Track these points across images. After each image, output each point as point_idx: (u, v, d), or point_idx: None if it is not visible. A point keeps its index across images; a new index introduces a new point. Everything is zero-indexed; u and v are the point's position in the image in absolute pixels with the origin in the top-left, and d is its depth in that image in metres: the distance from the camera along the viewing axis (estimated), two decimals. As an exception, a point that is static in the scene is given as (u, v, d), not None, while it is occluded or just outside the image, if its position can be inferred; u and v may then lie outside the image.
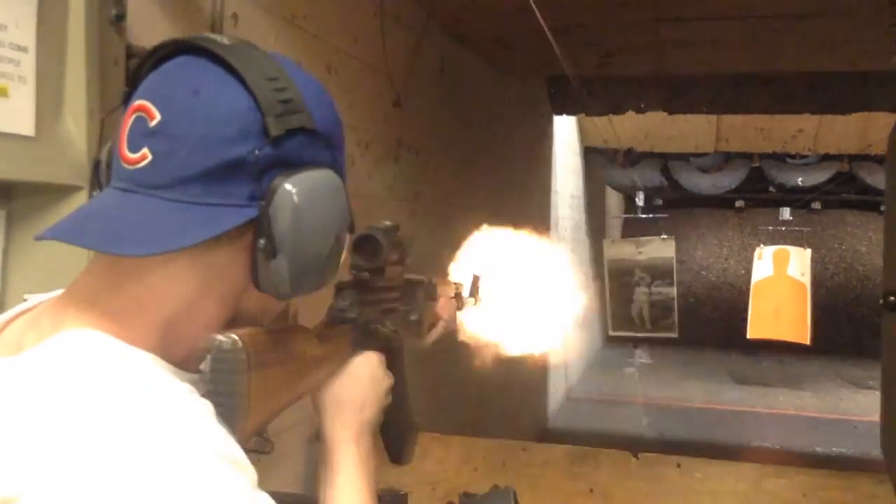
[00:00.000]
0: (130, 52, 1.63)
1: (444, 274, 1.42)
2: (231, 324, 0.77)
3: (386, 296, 1.09)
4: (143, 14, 1.73)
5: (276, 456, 0.92)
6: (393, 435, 1.12)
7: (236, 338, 0.71)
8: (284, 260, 0.71)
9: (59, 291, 0.78)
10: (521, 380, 6.48)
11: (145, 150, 0.69)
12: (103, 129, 1.48)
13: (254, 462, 0.70)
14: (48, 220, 1.45)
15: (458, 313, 1.41)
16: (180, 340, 0.73)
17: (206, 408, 0.67)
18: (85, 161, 1.44)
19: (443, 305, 1.33)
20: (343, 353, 0.96)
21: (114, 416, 0.61)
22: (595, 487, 2.17)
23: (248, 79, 0.70)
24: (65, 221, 0.71)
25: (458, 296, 1.44)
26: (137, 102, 0.71)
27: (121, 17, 1.54)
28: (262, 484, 0.74)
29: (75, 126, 1.44)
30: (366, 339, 1.00)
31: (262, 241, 0.71)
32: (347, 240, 0.80)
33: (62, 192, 1.43)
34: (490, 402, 5.38)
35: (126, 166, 0.70)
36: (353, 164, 2.99)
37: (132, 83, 0.75)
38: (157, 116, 0.69)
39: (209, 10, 2.02)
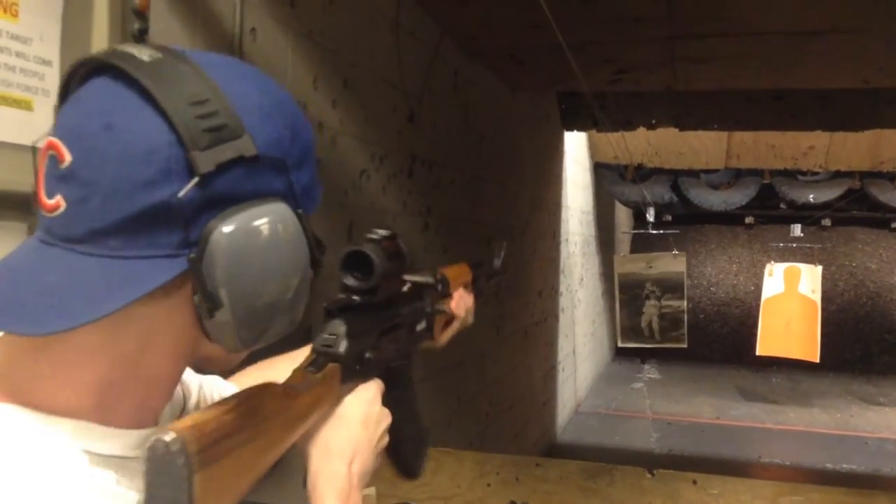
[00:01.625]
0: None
1: (455, 261, 1.26)
2: (199, 364, 0.69)
3: (383, 315, 0.96)
4: (165, 28, 1.75)
5: (285, 472, 0.90)
6: (402, 452, 1.03)
7: (169, 440, 0.57)
8: (228, 315, 0.61)
9: None
10: (531, 394, 6.47)
11: (59, 198, 0.59)
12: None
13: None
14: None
15: (473, 305, 1.27)
16: (124, 398, 0.64)
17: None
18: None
19: (457, 301, 1.20)
20: (332, 393, 0.83)
21: None
22: (609, 504, 2.16)
23: (167, 106, 0.58)
24: None
25: (474, 281, 1.30)
26: (49, 139, 0.62)
27: (144, 32, 1.55)
28: (271, 497, 0.71)
29: (98, 139, 1.45)
30: (359, 372, 0.88)
31: (196, 298, 0.61)
32: (310, 279, 0.67)
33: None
34: (500, 416, 5.37)
35: (44, 214, 0.61)
36: (369, 178, 3.00)
37: (61, 100, 0.65)
38: (67, 158, 0.59)
39: (229, 24, 2.03)
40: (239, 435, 0.66)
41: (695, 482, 2.13)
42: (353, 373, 0.86)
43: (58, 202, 0.59)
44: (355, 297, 0.89)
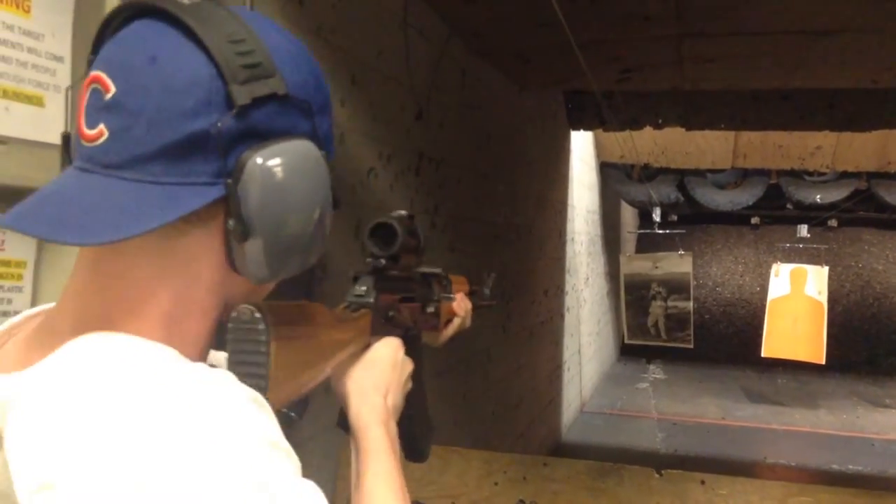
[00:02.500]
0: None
1: (458, 272, 1.38)
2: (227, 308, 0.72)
3: (402, 285, 1.07)
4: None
5: (305, 451, 0.91)
6: (411, 431, 1.09)
7: (254, 308, 0.68)
8: (258, 242, 0.65)
9: (47, 306, 0.74)
10: (536, 394, 6.47)
11: (101, 127, 0.62)
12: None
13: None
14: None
15: (471, 312, 1.37)
16: (186, 338, 0.67)
17: (247, 393, 0.61)
18: (118, 170, 1.45)
19: (458, 302, 1.30)
20: (363, 337, 0.93)
21: (155, 408, 0.56)
22: (617, 504, 2.15)
23: (209, 42, 0.62)
24: (20, 206, 0.64)
25: (473, 292, 1.43)
26: (93, 73, 0.64)
27: (155, 28, 1.55)
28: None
29: (109, 136, 1.45)
30: (385, 325, 0.98)
31: (231, 223, 0.64)
32: (331, 217, 0.72)
33: (95, 201, 1.44)
34: (505, 416, 5.36)
35: (84, 144, 0.64)
36: (377, 176, 3.00)
37: (94, 50, 0.67)
38: (112, 89, 0.62)
39: (238, 21, 2.03)
40: (303, 327, 0.77)
41: (703, 483, 2.12)
42: (380, 324, 0.97)
43: (100, 131, 0.62)
44: (382, 261, 0.99)
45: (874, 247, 12.78)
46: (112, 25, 0.66)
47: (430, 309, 1.17)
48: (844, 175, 8.61)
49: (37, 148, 1.33)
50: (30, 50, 1.31)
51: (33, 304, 1.42)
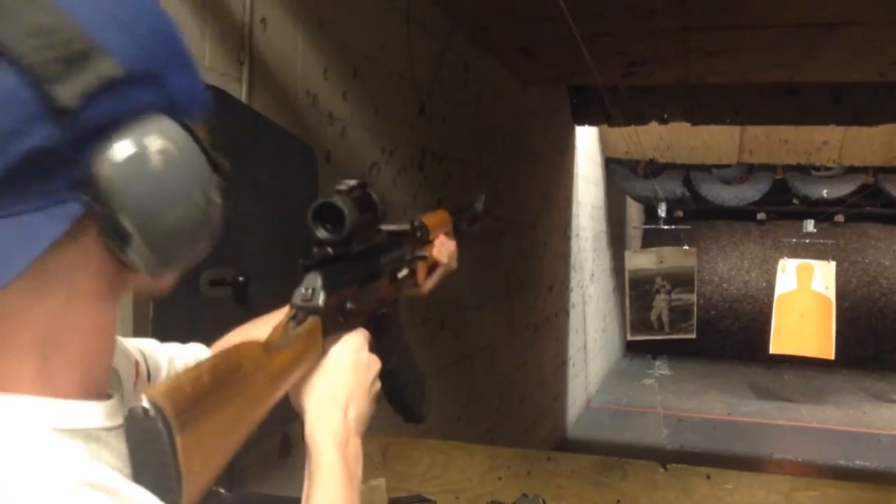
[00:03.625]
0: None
1: (435, 209, 1.24)
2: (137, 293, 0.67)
3: (362, 266, 0.94)
4: (173, 16, 1.73)
5: (298, 463, 0.88)
6: (405, 397, 1.04)
7: (146, 404, 0.56)
8: (140, 242, 0.57)
9: None
10: (541, 389, 6.46)
11: None
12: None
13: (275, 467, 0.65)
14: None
15: (456, 252, 1.23)
16: (65, 360, 0.61)
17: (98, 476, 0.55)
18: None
19: (438, 247, 1.17)
20: (315, 348, 0.82)
21: None
22: (622, 498, 2.14)
23: (8, 45, 0.51)
24: None
25: (455, 226, 1.27)
26: None
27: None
28: (284, 489, 0.70)
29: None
30: (342, 323, 0.87)
31: (104, 238, 0.57)
32: (216, 188, 0.63)
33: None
34: (510, 411, 5.35)
35: None
36: (379, 171, 2.99)
37: None
38: None
39: (239, 14, 2.02)
40: (218, 393, 0.65)
41: (708, 477, 2.10)
42: (336, 324, 0.86)
43: None
44: (329, 250, 0.87)
45: (881, 242, 12.73)
46: None
47: (402, 273, 1.05)
48: (851, 170, 8.57)
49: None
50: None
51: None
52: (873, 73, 4.87)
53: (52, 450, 0.56)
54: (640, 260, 8.84)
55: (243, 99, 2.02)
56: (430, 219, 1.17)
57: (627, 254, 9.18)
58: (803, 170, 8.80)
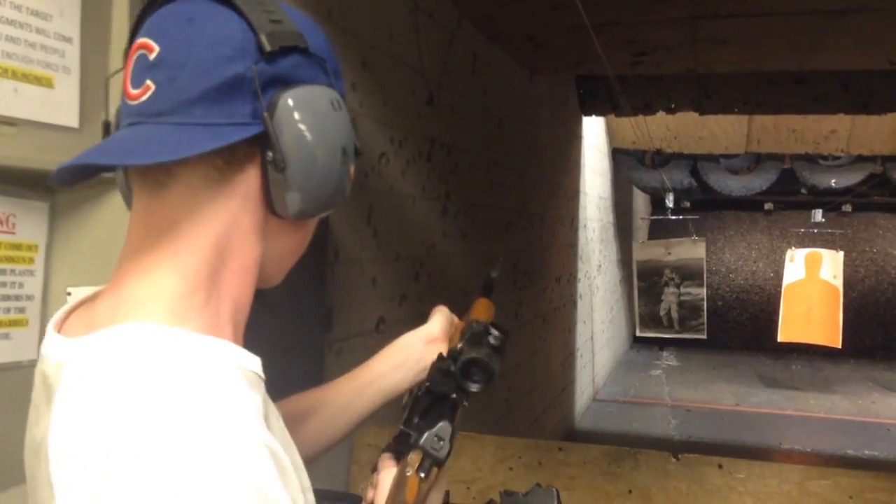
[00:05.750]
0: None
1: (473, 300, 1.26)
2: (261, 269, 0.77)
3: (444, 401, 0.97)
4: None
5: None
6: None
7: None
8: (293, 172, 0.72)
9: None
10: (549, 380, 6.45)
11: (148, 83, 0.70)
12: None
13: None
14: (91, 213, 1.45)
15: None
16: (223, 290, 0.73)
17: (258, 438, 0.64)
18: (128, 153, 1.43)
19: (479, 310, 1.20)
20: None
21: (165, 444, 0.59)
22: (634, 488, 2.13)
23: (240, 4, 0.71)
24: (79, 156, 0.69)
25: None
26: (138, 41, 0.72)
27: (164, 9, 1.53)
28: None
29: (118, 118, 1.44)
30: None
31: (269, 154, 0.71)
32: (353, 163, 0.78)
33: (105, 184, 1.42)
34: (519, 402, 5.35)
35: (131, 103, 0.71)
36: (388, 162, 2.98)
37: (134, 31, 0.75)
38: (156, 49, 0.70)
39: (248, 4, 2.01)
40: None
41: (720, 466, 2.10)
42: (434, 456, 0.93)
43: (146, 87, 0.69)
44: (455, 397, 0.93)
45: (889, 231, 12.68)
46: (154, 5, 0.74)
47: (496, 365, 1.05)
48: (859, 159, 8.53)
49: (46, 129, 1.31)
50: (38, 30, 1.29)
51: (45, 288, 1.40)
52: (883, 60, 4.83)
53: (242, 399, 0.66)
54: (648, 251, 8.82)
55: (253, 89, 2.01)
56: (477, 313, 1.18)
57: (635, 245, 9.15)
58: (811, 159, 8.75)
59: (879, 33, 4.13)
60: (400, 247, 3.22)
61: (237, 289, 0.74)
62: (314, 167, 0.73)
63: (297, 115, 0.71)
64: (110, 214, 1.44)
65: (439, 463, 0.90)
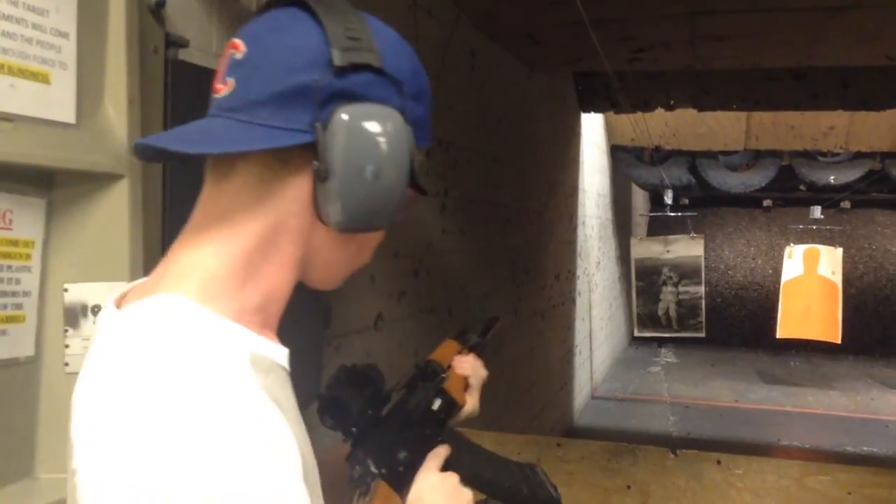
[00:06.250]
0: (169, 40, 1.62)
1: (442, 341, 1.30)
2: (303, 267, 0.81)
3: (394, 419, 1.04)
4: (182, 2, 1.72)
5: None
6: (518, 498, 1.10)
7: None
8: (336, 184, 0.74)
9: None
10: (548, 377, 6.46)
11: (230, 80, 0.76)
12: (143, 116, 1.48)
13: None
14: (88, 209, 1.45)
15: (475, 360, 1.30)
16: (259, 281, 0.77)
17: (283, 433, 0.68)
18: (125, 149, 1.43)
19: (457, 367, 1.24)
20: (394, 499, 0.95)
21: (188, 430, 0.64)
22: (633, 484, 2.13)
23: (324, 18, 0.75)
24: (157, 136, 0.79)
25: (469, 346, 1.34)
26: (233, 40, 0.78)
27: (161, 5, 1.53)
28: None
29: (115, 113, 1.43)
30: (403, 473, 0.98)
31: (315, 164, 0.74)
32: (405, 190, 0.79)
33: (102, 180, 1.42)
34: (517, 399, 5.35)
35: (215, 96, 0.77)
36: (386, 157, 2.98)
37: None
38: (244, 50, 0.76)
39: (247, 0, 2.01)
40: None
41: (719, 462, 2.10)
42: (401, 476, 0.98)
43: (229, 84, 0.75)
44: (354, 430, 0.99)
45: (888, 228, 12.68)
46: (265, 8, 0.81)
47: (437, 404, 1.12)
48: (858, 155, 8.53)
49: (43, 125, 1.31)
50: (34, 26, 1.29)
51: (41, 284, 1.40)
52: (881, 56, 4.83)
53: (240, 375, 0.69)
54: (647, 248, 8.82)
55: (250, 85, 2.01)
56: (435, 354, 1.25)
57: (633, 242, 9.16)
58: (810, 156, 8.76)
59: (878, 29, 4.12)
60: (399, 243, 3.22)
61: (273, 283, 0.78)
62: (356, 184, 0.75)
63: (347, 131, 0.74)
64: (107, 211, 1.44)
65: (373, 477, 0.95)
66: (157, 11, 1.54)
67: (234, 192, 0.76)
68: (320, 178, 0.74)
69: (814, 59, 5.06)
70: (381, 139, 0.75)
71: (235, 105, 0.75)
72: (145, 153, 0.80)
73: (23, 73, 1.27)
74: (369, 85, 0.75)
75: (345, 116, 0.74)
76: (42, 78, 1.31)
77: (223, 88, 0.76)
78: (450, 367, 1.22)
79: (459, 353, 1.27)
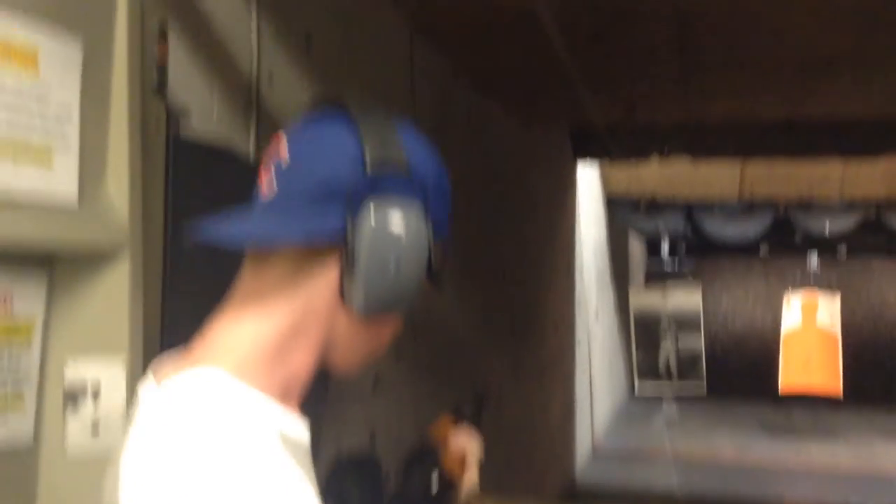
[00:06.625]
0: (171, 115, 1.63)
1: (432, 424, 1.34)
2: (326, 350, 0.88)
3: None
4: (184, 78, 1.74)
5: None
6: None
7: None
8: (361, 272, 0.82)
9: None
10: (549, 434, 6.38)
11: (275, 184, 0.85)
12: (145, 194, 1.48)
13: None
14: (89, 287, 1.44)
15: (469, 437, 1.34)
16: (288, 359, 0.84)
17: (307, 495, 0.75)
18: (126, 226, 1.43)
19: (453, 444, 1.28)
20: None
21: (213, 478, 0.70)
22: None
23: (362, 128, 0.84)
24: (205, 227, 0.87)
25: (464, 420, 1.37)
26: (279, 141, 0.87)
27: (163, 84, 1.54)
28: None
29: (117, 191, 1.43)
30: None
31: (344, 254, 0.83)
32: (421, 278, 0.86)
33: (103, 258, 1.42)
34: (518, 459, 5.28)
35: (260, 197, 0.87)
36: (385, 219, 2.98)
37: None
38: (287, 158, 0.85)
39: (246, 70, 2.03)
40: None
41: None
42: None
43: (273, 188, 0.84)
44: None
45: (885, 276, 12.69)
46: (310, 115, 0.91)
47: (435, 486, 1.17)
48: (853, 204, 8.57)
49: (44, 206, 1.31)
50: (39, 110, 1.29)
51: (42, 364, 1.39)
52: (872, 108, 4.89)
53: (275, 448, 0.75)
54: (645, 298, 8.81)
55: (251, 154, 2.01)
56: (431, 431, 1.30)
57: (632, 292, 9.16)
58: (805, 205, 8.80)
59: (867, 83, 4.18)
60: (398, 304, 3.20)
61: (300, 362, 0.85)
62: (379, 272, 0.83)
63: (373, 225, 0.82)
64: (108, 288, 1.43)
65: None
66: (160, 88, 1.55)
67: (273, 276, 0.84)
68: (348, 263, 0.82)
69: (806, 110, 5.12)
70: (403, 233, 0.83)
71: (279, 204, 0.84)
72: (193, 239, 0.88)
73: (26, 157, 1.27)
74: (396, 186, 0.84)
75: (371, 212, 0.82)
76: (45, 160, 1.31)
77: (268, 192, 0.85)
78: (446, 443, 1.24)
79: (454, 428, 1.30)
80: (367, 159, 0.83)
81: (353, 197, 0.83)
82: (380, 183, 0.84)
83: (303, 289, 0.84)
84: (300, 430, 0.82)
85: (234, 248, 0.86)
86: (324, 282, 0.85)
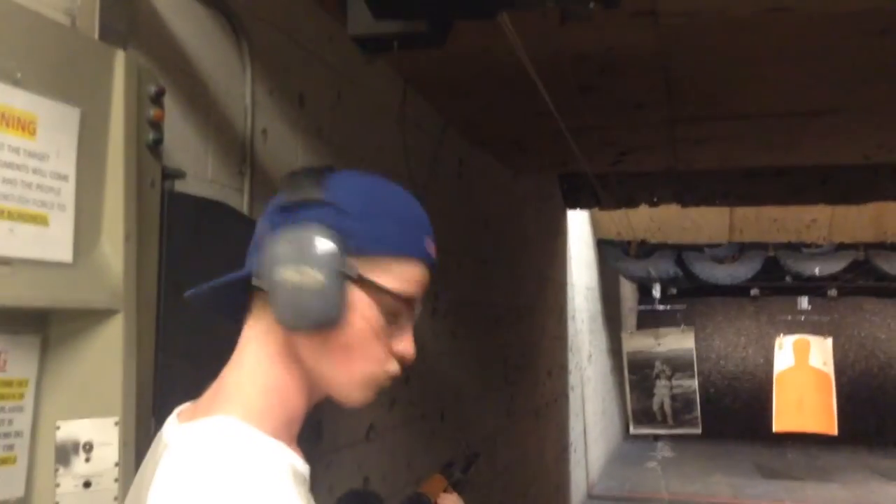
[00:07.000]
0: (166, 173, 1.66)
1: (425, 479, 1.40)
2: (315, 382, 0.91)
3: None
4: (179, 136, 1.77)
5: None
6: None
7: None
8: (273, 291, 0.86)
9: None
10: (544, 478, 6.34)
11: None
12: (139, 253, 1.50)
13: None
14: (83, 345, 1.45)
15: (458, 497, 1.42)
16: (284, 398, 0.89)
17: None
18: (121, 285, 1.45)
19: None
20: None
21: None
22: None
23: (283, 183, 0.92)
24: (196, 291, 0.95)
25: (453, 482, 1.44)
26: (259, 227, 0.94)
27: (159, 142, 1.57)
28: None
29: (112, 250, 1.45)
30: None
31: (254, 281, 0.88)
32: (347, 292, 0.88)
33: (98, 316, 1.43)
34: (512, 502, 5.24)
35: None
36: (377, 269, 3.00)
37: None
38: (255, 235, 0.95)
39: (241, 127, 2.06)
40: None
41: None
42: None
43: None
44: None
45: (875, 316, 12.74)
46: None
47: None
48: (842, 247, 8.64)
49: (40, 266, 1.32)
50: (35, 171, 1.32)
51: (34, 423, 1.39)
52: (858, 156, 4.96)
53: (289, 481, 0.81)
54: (638, 342, 8.81)
55: (245, 209, 2.04)
56: (422, 488, 1.36)
57: (625, 336, 9.16)
58: (794, 247, 8.86)
59: (853, 132, 4.25)
60: (390, 353, 3.21)
61: (295, 403, 0.90)
62: (281, 286, 0.86)
63: (269, 245, 0.87)
64: (102, 346, 1.44)
65: None
66: (155, 147, 1.58)
67: (250, 323, 0.91)
68: (269, 294, 0.86)
69: (793, 158, 5.20)
70: (298, 248, 0.85)
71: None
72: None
73: (22, 218, 1.29)
74: (306, 213, 0.87)
75: (267, 242, 0.87)
76: (41, 221, 1.33)
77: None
78: None
79: (445, 490, 1.36)
80: (280, 200, 0.89)
81: (261, 239, 0.89)
82: (290, 216, 0.88)
83: (265, 332, 0.90)
84: (303, 465, 0.86)
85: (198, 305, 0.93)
86: (267, 322, 0.89)
